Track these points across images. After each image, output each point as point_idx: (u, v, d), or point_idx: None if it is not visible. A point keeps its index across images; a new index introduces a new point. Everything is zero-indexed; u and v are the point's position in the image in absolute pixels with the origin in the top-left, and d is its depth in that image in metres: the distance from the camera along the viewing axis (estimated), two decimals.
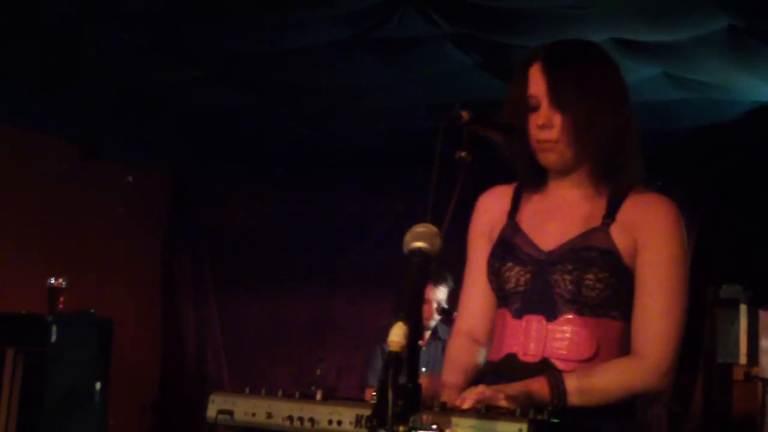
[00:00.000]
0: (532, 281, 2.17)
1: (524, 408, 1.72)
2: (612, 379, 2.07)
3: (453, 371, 2.26)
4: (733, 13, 4.35)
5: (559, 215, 2.21)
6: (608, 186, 2.19)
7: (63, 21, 4.84)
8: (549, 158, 2.17)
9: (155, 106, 6.47)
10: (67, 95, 6.22)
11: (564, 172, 2.21)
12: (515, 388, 2.00)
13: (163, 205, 8.28)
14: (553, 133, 2.14)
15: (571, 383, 2.03)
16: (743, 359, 6.18)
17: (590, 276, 2.10)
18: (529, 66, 2.19)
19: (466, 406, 1.86)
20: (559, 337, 2.12)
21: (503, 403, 1.91)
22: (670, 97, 5.57)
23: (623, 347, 2.14)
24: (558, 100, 2.12)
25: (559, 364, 2.10)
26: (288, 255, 7.82)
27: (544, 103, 2.14)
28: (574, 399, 2.02)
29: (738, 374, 6.12)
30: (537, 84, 2.16)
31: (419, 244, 1.65)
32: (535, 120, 2.16)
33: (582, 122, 2.11)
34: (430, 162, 1.86)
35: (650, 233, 2.13)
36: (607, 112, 2.12)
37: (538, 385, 2.02)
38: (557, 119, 2.13)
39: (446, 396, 2.06)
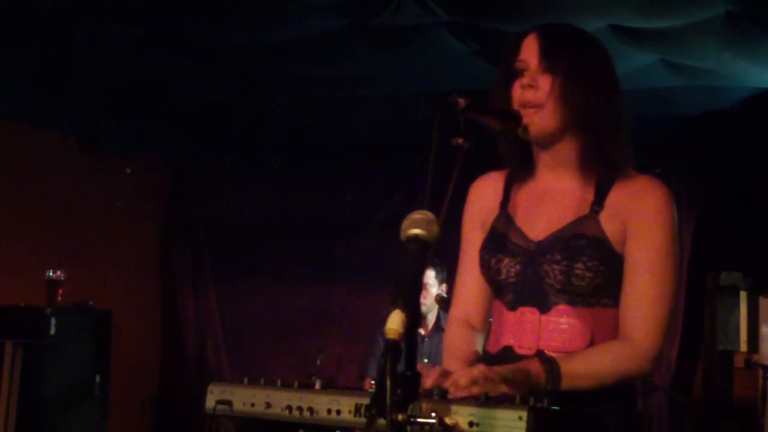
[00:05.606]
0: (522, 272, 2.15)
1: (523, 394, 1.71)
2: (604, 363, 2.05)
3: (454, 361, 2.24)
4: None
5: (548, 204, 2.19)
6: (596, 172, 2.16)
7: (58, 13, 4.83)
8: (531, 121, 2.11)
9: (152, 99, 6.46)
10: (64, 88, 6.21)
11: (546, 144, 2.17)
12: (512, 369, 1.96)
13: (161, 198, 8.28)
14: (538, 95, 2.10)
15: (565, 368, 2.00)
16: (743, 346, 6.19)
17: (579, 265, 2.08)
18: (524, 37, 2.17)
19: (462, 382, 1.83)
20: (553, 329, 2.11)
21: (502, 387, 1.88)
22: (668, 84, 5.55)
23: (617, 335, 2.12)
24: (548, 62, 2.10)
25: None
26: (287, 246, 7.82)
27: (533, 65, 2.12)
28: (567, 382, 1.99)
29: (738, 361, 6.13)
30: (529, 50, 2.14)
31: (416, 231, 1.63)
32: (520, 82, 2.13)
33: (569, 87, 2.08)
34: (428, 151, 1.85)
35: (638, 217, 2.10)
36: (596, 88, 2.10)
37: (535, 368, 1.99)
38: (545, 82, 2.10)
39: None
